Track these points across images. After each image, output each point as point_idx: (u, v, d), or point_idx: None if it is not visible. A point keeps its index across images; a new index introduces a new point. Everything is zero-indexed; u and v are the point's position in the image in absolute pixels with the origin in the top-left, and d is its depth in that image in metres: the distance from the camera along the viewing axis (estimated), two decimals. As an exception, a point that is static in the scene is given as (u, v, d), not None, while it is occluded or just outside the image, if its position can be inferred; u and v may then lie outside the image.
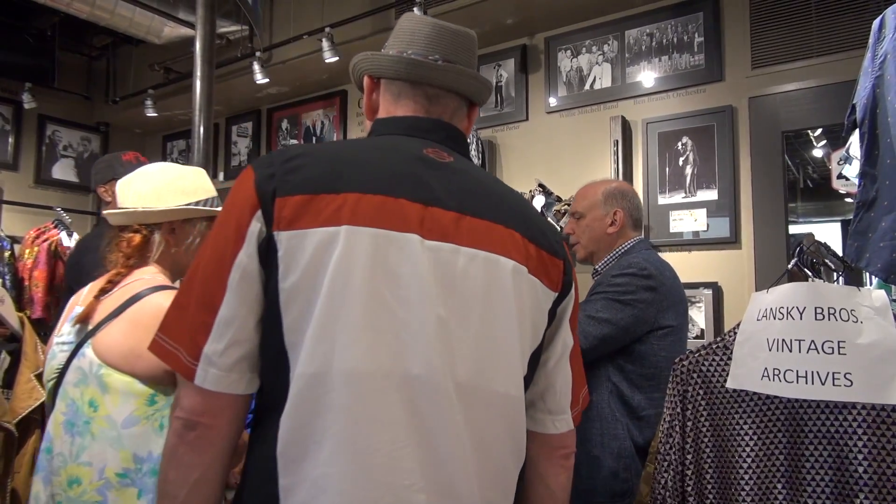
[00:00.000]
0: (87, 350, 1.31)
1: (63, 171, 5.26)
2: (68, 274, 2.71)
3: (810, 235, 1.13)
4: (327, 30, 3.52)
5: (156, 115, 4.67)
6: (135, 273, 1.41)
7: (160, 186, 1.45)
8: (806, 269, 1.11)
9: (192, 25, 3.65)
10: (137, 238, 1.42)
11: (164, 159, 5.51)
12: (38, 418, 1.48)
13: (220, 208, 1.39)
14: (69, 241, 4.14)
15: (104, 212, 1.48)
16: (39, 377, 1.50)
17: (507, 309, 0.89)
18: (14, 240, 4.33)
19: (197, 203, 1.46)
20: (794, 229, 2.85)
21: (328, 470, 0.78)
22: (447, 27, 1.02)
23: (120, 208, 1.45)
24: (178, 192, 1.45)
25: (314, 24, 3.73)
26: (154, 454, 1.27)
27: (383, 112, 1.02)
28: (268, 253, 0.82)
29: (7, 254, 4.23)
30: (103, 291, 1.36)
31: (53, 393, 1.34)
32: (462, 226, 0.88)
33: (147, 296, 1.33)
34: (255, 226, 0.82)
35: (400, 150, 0.93)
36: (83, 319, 1.34)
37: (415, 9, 3.18)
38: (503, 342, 0.89)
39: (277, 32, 4.11)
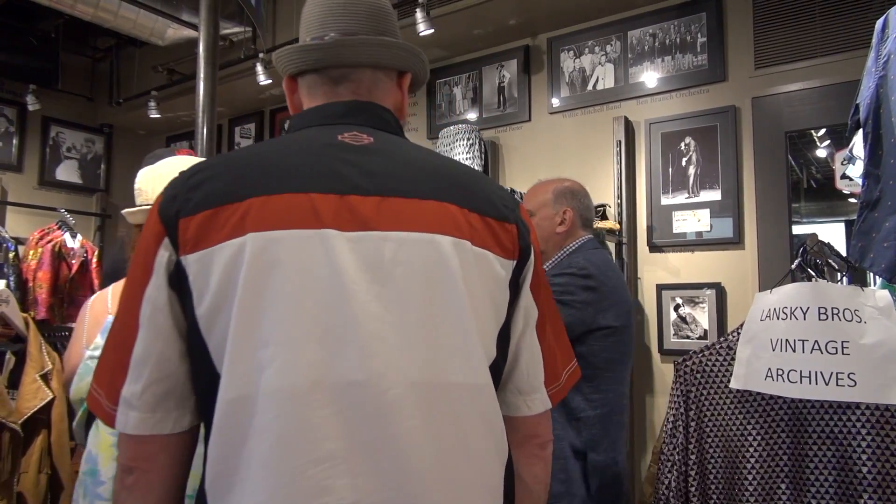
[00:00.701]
0: None
1: (67, 172, 5.28)
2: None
3: (814, 236, 1.13)
4: (330, 31, 3.53)
5: (159, 116, 4.68)
6: None
7: (143, 176, 1.41)
8: (809, 270, 1.11)
9: (195, 27, 3.66)
10: None
11: (167, 160, 5.52)
12: (43, 418, 1.49)
13: None
14: (73, 243, 4.16)
15: (126, 210, 1.43)
16: (45, 377, 1.51)
17: (454, 289, 0.79)
18: (18, 241, 4.35)
19: None
20: (797, 230, 2.85)
21: (255, 499, 0.71)
22: (339, 2, 0.92)
23: (147, 204, 1.38)
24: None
25: (317, 25, 3.73)
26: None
27: (303, 109, 0.94)
28: (179, 280, 0.76)
29: (11, 255, 4.25)
30: None
31: (84, 422, 1.29)
32: (385, 209, 0.79)
33: None
34: (163, 254, 0.76)
35: (311, 141, 0.85)
36: None
37: (417, 10, 3.18)
38: (456, 326, 0.79)
39: (280, 33, 4.12)
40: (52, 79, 4.88)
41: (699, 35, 3.06)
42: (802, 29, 2.79)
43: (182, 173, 0.82)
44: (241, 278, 0.73)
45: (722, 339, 1.16)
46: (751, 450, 1.06)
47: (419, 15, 3.17)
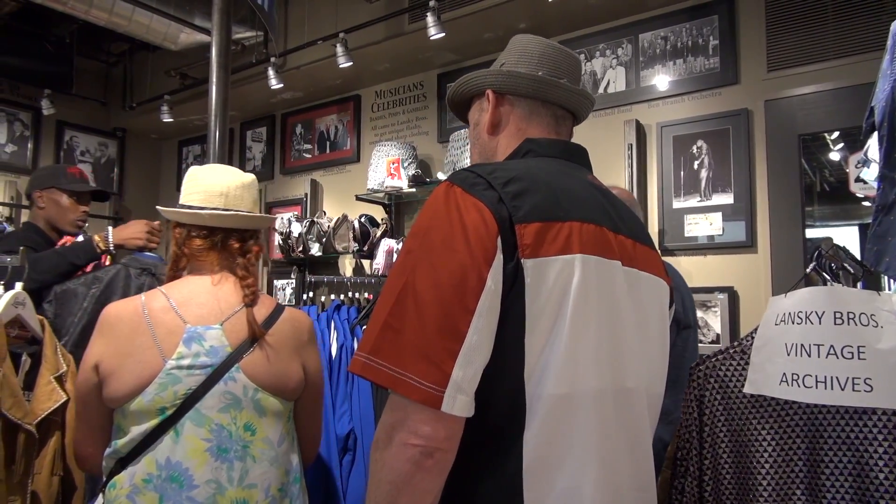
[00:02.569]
0: (238, 375, 1.32)
1: (81, 176, 5.32)
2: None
3: (829, 239, 1.12)
4: (341, 35, 3.54)
5: (171, 120, 4.71)
6: (229, 279, 1.43)
7: (251, 191, 1.49)
8: (825, 274, 1.10)
9: (207, 32, 3.69)
10: (238, 244, 1.44)
11: (179, 164, 5.57)
12: (57, 420, 1.50)
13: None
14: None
15: (165, 209, 1.44)
16: (59, 379, 1.52)
17: (664, 321, 1.03)
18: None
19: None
20: (810, 233, 2.82)
21: (578, 482, 0.84)
22: (567, 51, 1.09)
23: (188, 207, 1.40)
24: (256, 201, 1.50)
25: (328, 29, 3.76)
26: (294, 464, 1.40)
27: (513, 127, 1.05)
28: (514, 279, 0.83)
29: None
30: (252, 301, 1.41)
31: (171, 419, 1.28)
32: (636, 251, 0.99)
33: (288, 316, 1.44)
34: (499, 251, 0.83)
35: (577, 177, 0.99)
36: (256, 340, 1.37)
37: (428, 14, 3.19)
38: (664, 349, 1.03)
39: (292, 38, 4.14)
40: (66, 83, 4.94)
41: (711, 38, 3.04)
42: (816, 31, 2.77)
43: (485, 176, 0.88)
44: (573, 290, 0.85)
45: (736, 343, 1.15)
46: (765, 455, 1.05)
47: (430, 19, 3.18)
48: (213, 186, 1.42)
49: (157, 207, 1.50)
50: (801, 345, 1.02)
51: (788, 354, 1.03)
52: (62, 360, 1.54)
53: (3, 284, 1.53)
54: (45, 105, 4.74)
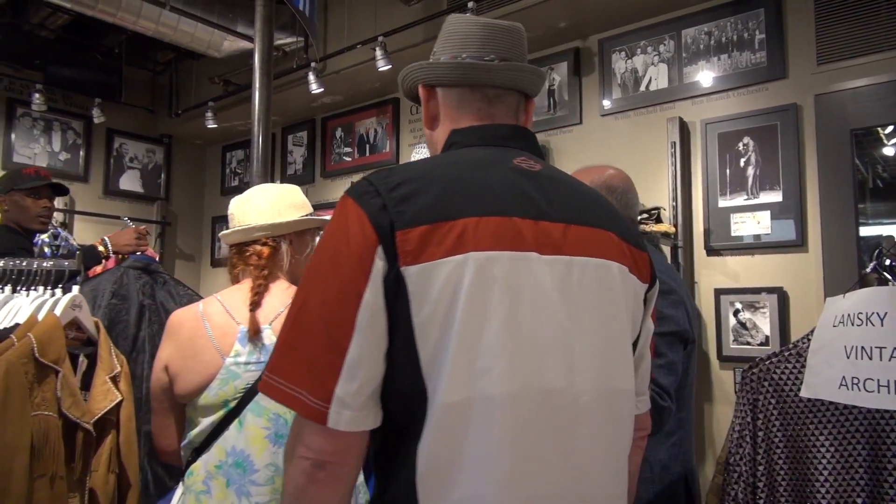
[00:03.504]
0: None
1: (130, 181, 5.49)
2: None
3: (890, 238, 1.07)
4: (380, 38, 3.57)
5: (215, 126, 4.82)
6: (276, 284, 1.53)
7: (277, 202, 1.57)
8: (885, 273, 1.06)
9: (250, 39, 3.76)
10: (267, 250, 1.53)
11: (223, 169, 5.69)
12: (112, 419, 1.55)
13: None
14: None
15: (222, 233, 1.61)
16: (114, 379, 1.57)
17: (619, 309, 0.93)
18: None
19: (308, 215, 1.59)
20: (864, 231, 2.72)
21: (479, 491, 0.80)
22: (497, 24, 1.01)
23: (240, 226, 1.57)
24: (292, 206, 1.58)
25: (367, 33, 3.79)
26: None
27: (447, 120, 1.01)
28: (396, 289, 0.81)
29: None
30: (255, 305, 1.47)
31: (234, 411, 1.42)
32: (569, 236, 0.90)
33: None
34: (379, 263, 0.81)
35: (496, 164, 0.93)
36: (255, 337, 1.44)
37: (468, 14, 3.19)
38: (620, 340, 0.94)
39: (331, 42, 4.19)
40: (115, 92, 5.10)
41: (757, 31, 2.97)
42: (868, 22, 2.68)
43: (378, 180, 0.86)
44: (463, 293, 0.80)
45: (791, 345, 1.12)
46: (823, 461, 1.02)
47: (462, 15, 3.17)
48: (259, 204, 1.58)
49: (220, 235, 1.66)
50: (862, 347, 0.98)
51: (848, 357, 0.99)
52: (116, 361, 1.58)
53: (61, 288, 1.59)
54: (96, 114, 4.90)
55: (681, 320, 1.51)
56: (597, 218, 0.95)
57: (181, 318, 1.49)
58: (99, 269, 2.80)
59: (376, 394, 0.83)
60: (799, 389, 1.06)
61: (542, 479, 0.82)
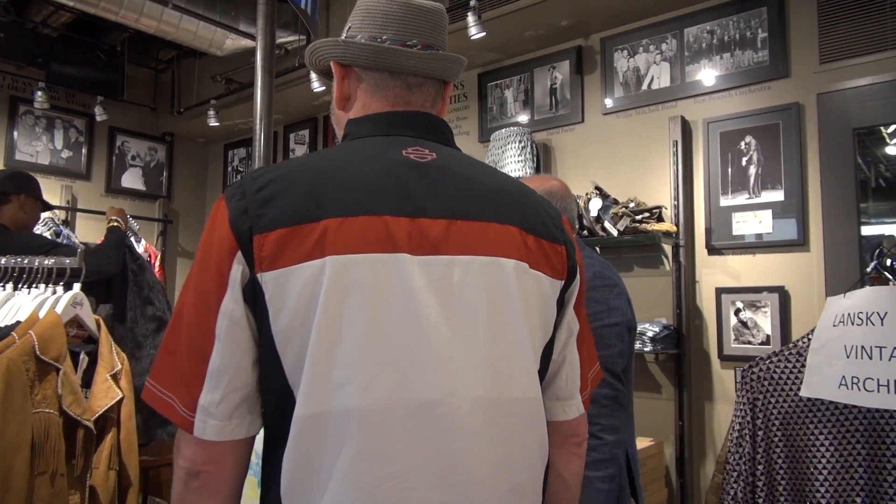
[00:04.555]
0: None
1: (132, 179, 5.49)
2: None
3: (891, 237, 1.07)
4: (382, 37, 3.56)
5: (217, 124, 4.82)
6: None
7: None
8: (886, 273, 1.05)
9: (252, 37, 3.76)
10: None
11: (225, 167, 5.70)
12: (113, 416, 1.55)
13: None
14: (137, 247, 4.32)
15: None
16: (114, 377, 1.57)
17: (514, 310, 0.84)
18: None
19: None
20: (865, 230, 2.72)
21: None
22: (421, 6, 0.93)
23: None
24: None
25: (369, 31, 3.78)
26: None
27: (359, 104, 0.94)
28: (254, 296, 0.77)
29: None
30: None
31: None
32: (453, 233, 0.82)
33: None
34: (237, 268, 0.77)
35: (379, 157, 0.86)
36: None
37: (468, 14, 3.19)
38: (515, 346, 0.85)
39: (334, 41, 4.18)
40: (118, 90, 5.10)
41: (759, 30, 2.96)
42: (871, 21, 2.67)
43: (249, 181, 0.82)
44: (320, 299, 0.75)
45: (791, 344, 1.11)
46: (822, 461, 1.02)
47: (471, 19, 3.17)
48: None
49: None
50: (862, 347, 0.98)
51: (848, 357, 0.99)
52: (117, 359, 1.59)
53: (62, 285, 1.59)
54: (99, 112, 4.91)
55: (626, 311, 1.59)
56: (492, 211, 0.86)
57: None
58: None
59: (249, 402, 0.79)
60: (799, 389, 1.06)
61: (414, 496, 0.76)
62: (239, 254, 0.77)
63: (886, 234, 2.86)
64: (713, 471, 1.25)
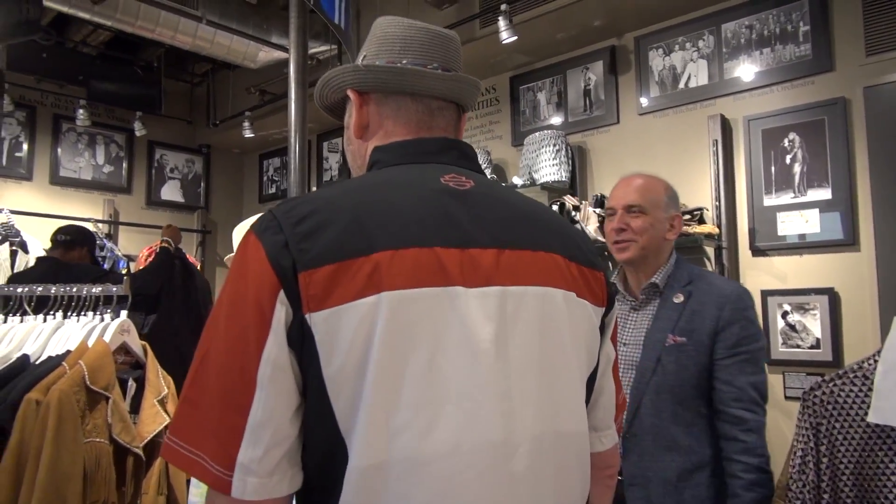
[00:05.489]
0: None
1: (171, 191, 5.60)
2: None
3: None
4: (413, 44, 3.56)
5: (252, 135, 4.88)
6: None
7: (240, 233, 1.61)
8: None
9: (285, 49, 3.79)
10: None
11: (260, 177, 5.77)
12: (161, 441, 1.57)
13: None
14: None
15: (227, 257, 1.76)
16: (161, 402, 1.59)
17: (564, 341, 0.82)
18: (129, 258, 4.65)
19: None
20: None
21: None
22: (439, 32, 0.92)
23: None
24: None
25: (400, 39, 3.78)
26: None
27: (380, 130, 0.91)
28: (302, 339, 0.70)
29: (124, 272, 4.54)
30: None
31: None
32: (503, 263, 0.79)
33: None
34: (281, 309, 0.70)
35: (418, 185, 0.82)
36: None
37: (499, 18, 3.15)
38: (566, 378, 0.82)
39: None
40: (155, 105, 5.21)
41: (801, 23, 2.86)
42: (921, 9, 2.56)
43: (283, 213, 0.75)
44: (377, 339, 0.70)
45: (855, 365, 1.06)
46: (895, 490, 0.97)
47: (502, 23, 3.14)
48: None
49: (224, 260, 1.80)
50: (935, 372, 0.93)
51: (919, 382, 0.94)
52: (163, 383, 1.61)
53: (109, 313, 1.62)
54: (138, 126, 5.02)
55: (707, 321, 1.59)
56: (537, 239, 0.84)
57: None
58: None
59: (291, 456, 0.72)
60: (866, 414, 1.01)
61: None
62: (282, 293, 0.70)
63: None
64: (773, 496, 1.21)
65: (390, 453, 0.70)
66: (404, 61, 0.88)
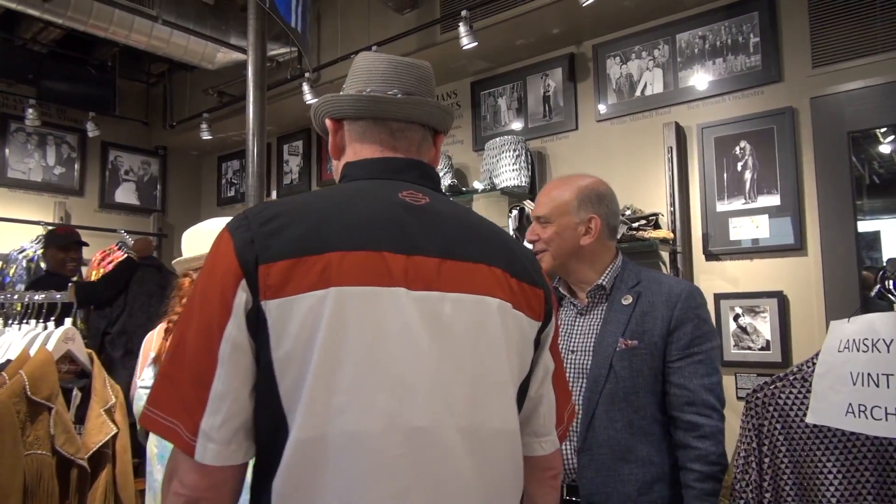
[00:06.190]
0: None
1: (125, 194, 5.47)
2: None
3: (893, 260, 1.06)
4: (374, 48, 3.55)
5: (210, 137, 4.80)
6: None
7: (189, 238, 1.69)
8: (890, 296, 1.04)
9: (243, 50, 3.74)
10: (186, 282, 1.63)
11: (219, 179, 5.67)
12: (108, 452, 1.53)
13: None
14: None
15: (175, 260, 1.75)
16: (109, 411, 1.55)
17: (497, 346, 0.90)
18: (82, 262, 4.52)
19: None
20: (861, 227, 2.70)
21: None
22: (403, 61, 1.03)
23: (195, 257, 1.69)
24: (199, 241, 1.66)
25: (361, 42, 3.77)
26: None
27: (350, 152, 1.02)
28: (257, 323, 0.81)
29: (75, 277, 4.41)
30: (169, 332, 1.47)
31: (146, 432, 1.53)
32: (445, 271, 0.89)
33: None
34: (242, 296, 0.81)
35: (378, 197, 0.93)
36: (158, 360, 1.51)
37: (460, 24, 3.17)
38: (496, 379, 0.91)
39: (325, 53, 4.17)
40: (109, 105, 5.08)
41: (751, 35, 2.95)
42: (862, 24, 2.66)
43: (254, 214, 0.87)
44: (322, 328, 0.80)
45: (795, 368, 1.10)
46: (831, 489, 1.00)
47: (462, 29, 3.16)
48: (188, 240, 1.79)
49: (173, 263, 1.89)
50: (868, 374, 0.96)
51: (854, 384, 0.98)
52: (111, 392, 1.57)
53: (53, 320, 1.57)
54: (91, 127, 4.88)
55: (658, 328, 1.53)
56: (480, 253, 0.93)
57: (146, 338, 1.66)
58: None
59: (247, 428, 0.82)
60: (804, 415, 1.04)
61: None
62: (244, 282, 0.81)
63: (881, 230, 2.85)
64: (720, 495, 1.24)
65: (327, 430, 0.79)
66: (368, 90, 1.00)
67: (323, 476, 0.79)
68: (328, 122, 1.04)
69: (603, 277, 1.63)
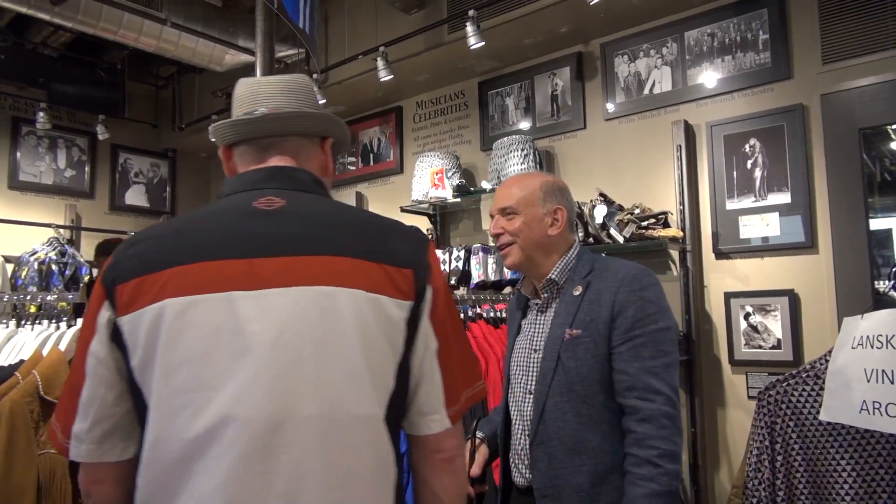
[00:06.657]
0: None
1: (135, 196, 5.50)
2: None
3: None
4: (381, 48, 3.56)
5: (219, 139, 4.81)
6: None
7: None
8: (904, 292, 1.03)
9: (251, 52, 3.76)
10: None
11: (228, 181, 5.69)
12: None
13: None
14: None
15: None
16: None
17: (346, 333, 0.93)
18: (92, 264, 4.55)
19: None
20: (873, 224, 2.68)
21: None
22: (271, 80, 1.11)
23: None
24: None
25: (368, 43, 3.78)
26: None
27: (233, 173, 1.10)
28: (118, 337, 0.92)
29: (87, 278, 4.44)
30: None
31: None
32: (286, 268, 0.93)
33: None
34: (104, 314, 0.93)
35: (230, 210, 1.00)
36: None
37: (467, 24, 3.17)
38: (348, 366, 0.93)
39: (333, 54, 4.18)
40: (119, 108, 5.11)
41: (761, 32, 2.94)
42: (873, 20, 2.65)
43: (123, 243, 0.99)
44: (161, 338, 0.89)
45: (808, 365, 1.09)
46: (846, 486, 0.99)
47: (469, 29, 3.16)
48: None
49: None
50: (883, 371, 0.96)
51: (868, 381, 0.97)
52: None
53: (65, 321, 1.58)
54: (101, 130, 4.91)
55: (672, 314, 1.47)
56: (329, 246, 0.97)
57: None
58: None
59: (122, 430, 0.93)
60: (818, 412, 1.03)
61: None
62: (107, 302, 0.93)
63: (893, 227, 2.83)
64: (730, 492, 1.23)
65: (171, 429, 0.87)
66: (238, 114, 1.08)
67: (172, 472, 0.87)
68: (220, 152, 1.12)
69: (553, 271, 1.60)
